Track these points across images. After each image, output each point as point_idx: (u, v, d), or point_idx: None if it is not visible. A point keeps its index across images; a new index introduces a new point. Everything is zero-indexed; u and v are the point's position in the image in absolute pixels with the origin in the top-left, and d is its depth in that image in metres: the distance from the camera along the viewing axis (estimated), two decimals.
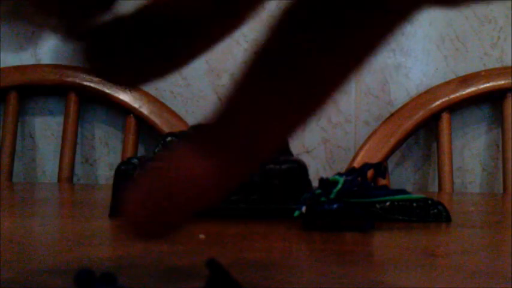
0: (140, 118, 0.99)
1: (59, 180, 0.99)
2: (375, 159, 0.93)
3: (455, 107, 0.98)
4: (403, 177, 1.01)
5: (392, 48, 1.00)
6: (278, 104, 0.17)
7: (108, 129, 1.05)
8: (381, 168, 0.46)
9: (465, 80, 0.96)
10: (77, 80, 1.01)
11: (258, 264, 0.32)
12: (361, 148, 0.96)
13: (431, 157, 1.01)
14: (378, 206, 0.46)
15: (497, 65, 0.99)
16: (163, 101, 1.01)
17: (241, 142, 0.17)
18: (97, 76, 0.18)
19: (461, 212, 0.58)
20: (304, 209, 0.42)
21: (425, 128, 1.00)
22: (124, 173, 0.47)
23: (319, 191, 0.43)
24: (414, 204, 0.47)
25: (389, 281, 0.28)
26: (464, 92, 0.96)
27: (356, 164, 0.93)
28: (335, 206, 0.42)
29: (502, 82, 0.95)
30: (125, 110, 1.00)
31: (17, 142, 1.03)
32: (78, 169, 1.04)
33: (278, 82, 0.17)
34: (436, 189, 0.97)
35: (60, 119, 1.03)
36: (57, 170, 1.00)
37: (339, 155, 1.01)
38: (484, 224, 0.52)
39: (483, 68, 0.98)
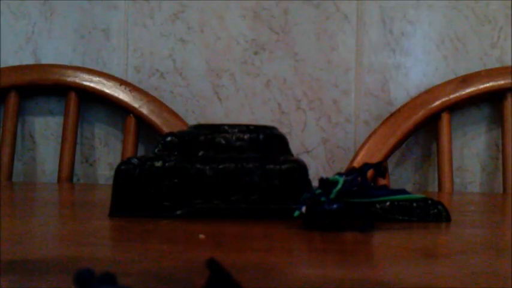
0: (140, 118, 0.99)
1: (59, 180, 0.99)
2: (375, 159, 0.93)
3: (455, 107, 0.98)
4: (403, 177, 1.01)
5: (392, 48, 1.00)
6: None
7: (108, 129, 1.05)
8: (381, 168, 0.46)
9: (465, 80, 0.96)
10: (77, 80, 1.01)
11: (258, 264, 0.32)
12: (361, 148, 0.96)
13: (431, 157, 1.01)
14: (378, 206, 0.46)
15: (497, 65, 0.99)
16: (163, 101, 1.01)
17: None
18: None
19: (461, 212, 0.58)
20: (304, 209, 0.42)
21: (425, 128, 1.00)
22: (124, 173, 0.47)
23: (319, 191, 0.43)
24: (414, 204, 0.47)
25: (389, 281, 0.28)
26: (464, 92, 0.96)
27: (356, 164, 0.93)
28: (335, 206, 0.42)
29: (502, 82, 0.95)
30: (124, 110, 1.00)
31: (17, 142, 1.03)
32: (78, 169, 1.04)
33: None
34: (436, 189, 0.97)
35: (60, 119, 1.03)
36: (57, 170, 1.00)
37: (339, 155, 1.01)
38: (484, 224, 0.52)
39: (483, 68, 0.98)
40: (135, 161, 0.48)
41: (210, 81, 1.02)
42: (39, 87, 1.03)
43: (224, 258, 0.32)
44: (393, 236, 0.41)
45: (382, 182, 0.91)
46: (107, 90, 1.00)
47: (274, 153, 0.49)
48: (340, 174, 0.45)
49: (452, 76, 0.99)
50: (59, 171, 0.99)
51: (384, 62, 1.00)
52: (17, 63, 1.04)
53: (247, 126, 0.50)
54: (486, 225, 0.51)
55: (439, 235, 0.43)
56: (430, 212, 0.47)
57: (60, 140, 1.01)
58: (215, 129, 0.50)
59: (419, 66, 1.00)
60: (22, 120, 1.05)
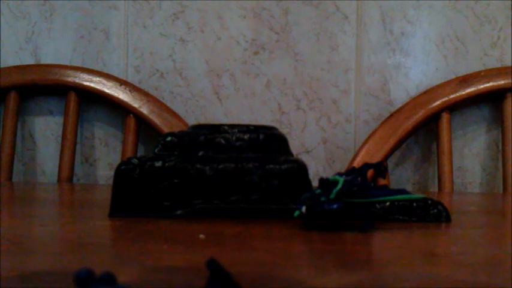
0: (140, 118, 0.99)
1: (59, 180, 0.99)
2: (375, 159, 0.93)
3: (455, 107, 0.98)
4: (403, 177, 1.01)
5: (392, 48, 1.00)
6: None
7: (108, 129, 1.05)
8: (381, 168, 0.46)
9: (465, 80, 0.96)
10: (77, 80, 1.01)
11: (258, 264, 0.32)
12: (361, 148, 0.96)
13: (431, 157, 1.01)
14: (377, 206, 0.46)
15: (497, 65, 0.99)
16: (163, 101, 1.01)
17: None
18: None
19: (461, 212, 0.58)
20: (304, 209, 0.42)
21: (425, 128, 1.00)
22: (124, 173, 0.47)
23: (319, 191, 0.43)
24: (414, 204, 0.47)
25: (389, 281, 0.28)
26: (464, 92, 0.96)
27: (356, 164, 0.93)
28: (335, 206, 0.42)
29: (502, 82, 0.95)
30: (125, 110, 1.00)
31: (17, 142, 1.03)
32: (78, 169, 1.04)
33: None
34: (436, 189, 0.97)
35: (60, 119, 1.03)
36: (57, 170, 1.00)
37: (338, 155, 1.01)
38: (484, 224, 0.52)
39: (483, 68, 0.98)
40: (135, 161, 0.48)
41: (210, 81, 1.02)
42: (39, 87, 1.03)
43: (224, 258, 0.32)
44: (393, 236, 0.41)
45: (382, 182, 0.91)
46: (107, 90, 1.00)
47: (274, 153, 0.49)
48: (340, 174, 0.45)
49: (452, 76, 0.99)
50: (59, 171, 0.99)
51: (383, 62, 1.00)
52: (17, 63, 1.04)
53: (247, 126, 0.50)
54: (486, 226, 0.51)
55: (439, 235, 0.43)
56: (430, 212, 0.47)
57: (60, 140, 1.01)
58: (215, 129, 0.50)
59: (419, 66, 1.00)
60: (22, 120, 1.05)
